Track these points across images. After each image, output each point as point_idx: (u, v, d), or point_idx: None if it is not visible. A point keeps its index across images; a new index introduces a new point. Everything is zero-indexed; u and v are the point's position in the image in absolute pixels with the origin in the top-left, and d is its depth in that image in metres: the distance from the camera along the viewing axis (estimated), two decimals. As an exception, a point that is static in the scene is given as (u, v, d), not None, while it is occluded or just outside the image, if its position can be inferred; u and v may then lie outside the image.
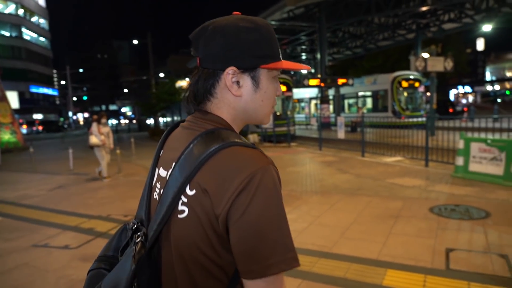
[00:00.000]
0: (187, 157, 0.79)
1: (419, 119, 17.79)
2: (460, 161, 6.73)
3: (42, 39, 54.12)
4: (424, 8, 19.07)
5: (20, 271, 3.63)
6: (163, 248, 0.82)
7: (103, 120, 8.43)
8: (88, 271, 0.93)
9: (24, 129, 43.20)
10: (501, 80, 60.69)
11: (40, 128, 45.14)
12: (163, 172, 0.88)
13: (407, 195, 5.67)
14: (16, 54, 47.17)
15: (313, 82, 18.81)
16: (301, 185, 6.81)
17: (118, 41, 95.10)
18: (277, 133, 14.53)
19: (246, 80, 0.85)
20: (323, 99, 20.78)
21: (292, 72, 38.12)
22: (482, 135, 6.99)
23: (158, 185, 0.88)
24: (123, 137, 27.48)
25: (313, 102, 26.99)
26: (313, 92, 25.62)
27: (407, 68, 17.00)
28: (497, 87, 59.28)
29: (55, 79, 72.15)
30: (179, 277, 0.80)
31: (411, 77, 19.97)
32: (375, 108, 21.33)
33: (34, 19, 51.88)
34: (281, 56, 0.90)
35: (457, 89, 54.93)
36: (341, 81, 19.53)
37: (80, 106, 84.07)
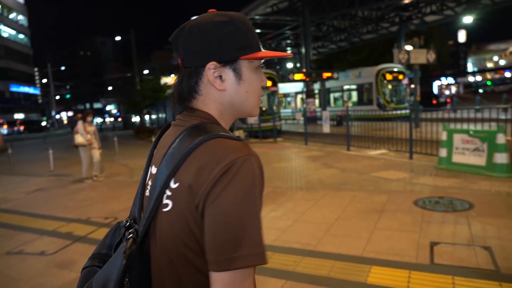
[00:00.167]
0: (172, 152, 0.80)
1: (403, 111, 17.95)
2: (443, 152, 6.76)
3: (21, 36, 52.73)
4: (406, 1, 19.21)
5: (-8, 281, 3.46)
6: (152, 243, 0.82)
7: (89, 119, 8.11)
8: (82, 269, 0.93)
9: (4, 129, 42.16)
10: (482, 71, 61.84)
11: (22, 128, 44.09)
12: (154, 170, 0.89)
13: (391, 188, 5.66)
14: (-6, 52, 45.88)
15: (298, 76, 18.76)
16: (286, 181, 6.74)
17: (101, 38, 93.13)
18: (263, 129, 14.45)
19: (228, 74, 0.85)
20: (309, 93, 20.77)
21: (278, 67, 38.09)
22: (465, 126, 7.05)
23: (150, 182, 0.89)
24: (108, 135, 27.01)
25: (299, 96, 26.99)
26: (299, 86, 25.60)
27: (392, 61, 17.09)
28: (478, 78, 60.40)
29: (37, 78, 70.48)
30: (165, 272, 0.79)
31: (395, 69, 20.11)
32: (360, 102, 21.43)
33: (12, 15, 50.46)
34: (261, 47, 0.90)
35: (440, 80, 55.76)
36: (326, 75, 19.54)
37: (63, 105, 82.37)
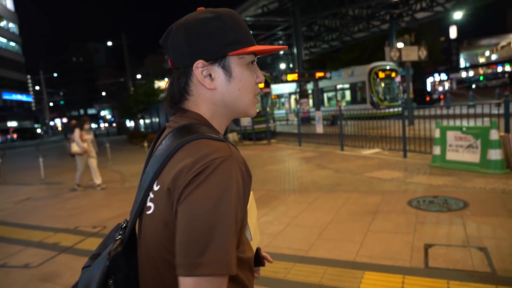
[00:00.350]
0: (157, 153, 0.79)
1: (396, 109, 17.94)
2: (437, 150, 6.69)
3: (12, 44, 52.31)
4: (396, -2, 19.20)
5: (-29, 299, 3.33)
6: (138, 245, 0.81)
7: (86, 126, 7.81)
8: (82, 268, 0.90)
9: (-3, 138, 41.80)
10: (474, 66, 62.25)
11: (15, 136, 43.64)
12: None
13: (385, 188, 5.57)
14: (-15, 61, 45.46)
15: (291, 77, 18.68)
16: (279, 184, 6.64)
17: (93, 44, 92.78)
18: (257, 131, 14.34)
19: (217, 71, 0.82)
20: (302, 94, 20.70)
21: (271, 69, 38.01)
22: (459, 122, 6.96)
23: None
24: (102, 141, 26.80)
25: (293, 97, 26.93)
26: (292, 87, 25.55)
27: (384, 59, 17.08)
28: (471, 73, 60.74)
29: (30, 85, 69.92)
30: (149, 275, 0.77)
31: (388, 67, 20.10)
32: (353, 100, 21.40)
33: (2, 23, 50.05)
34: (252, 41, 0.85)
35: (434, 77, 56.01)
36: (318, 74, 19.48)
37: (57, 111, 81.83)
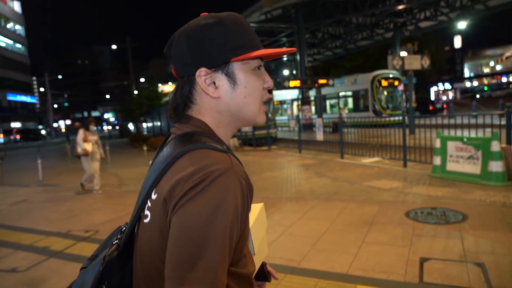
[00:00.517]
0: (158, 160, 0.77)
1: (396, 118, 17.83)
2: (437, 160, 6.59)
3: (18, 45, 52.77)
4: (400, 7, 19.17)
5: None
6: (134, 253, 0.79)
7: (91, 127, 7.70)
8: (80, 269, 0.88)
9: (0, 138, 41.92)
10: (479, 76, 62.05)
11: (18, 137, 43.79)
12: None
13: (383, 198, 5.46)
14: (-9, 62, 45.84)
15: (293, 83, 18.65)
16: (276, 191, 6.54)
17: (98, 46, 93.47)
18: (257, 136, 14.27)
19: (221, 79, 0.79)
20: (304, 100, 20.65)
21: (276, 75, 38.04)
22: (461, 132, 6.86)
23: None
24: (104, 143, 26.80)
25: (295, 103, 26.89)
26: (295, 93, 25.52)
27: (388, 67, 17.02)
28: (475, 83, 60.54)
29: (35, 86, 70.39)
30: (142, 284, 0.76)
31: (391, 76, 20.03)
32: (356, 108, 21.32)
33: (9, 25, 50.54)
34: (257, 45, 0.81)
35: (437, 86, 55.88)
36: (321, 81, 19.44)
37: (61, 113, 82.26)
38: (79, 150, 7.49)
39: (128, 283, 0.79)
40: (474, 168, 5.94)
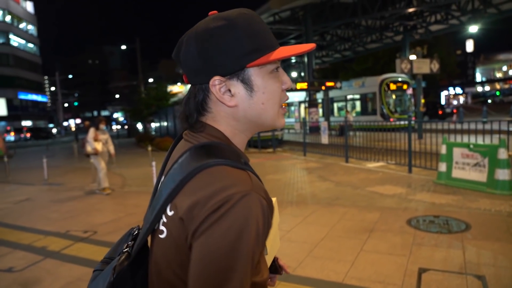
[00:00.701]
0: (172, 174, 0.73)
1: (402, 122, 17.62)
2: (443, 167, 6.45)
3: (30, 45, 53.54)
4: (410, 10, 18.96)
5: None
6: (149, 265, 0.77)
7: (102, 126, 7.55)
8: (93, 271, 0.87)
9: (11, 136, 42.51)
10: (491, 81, 61.19)
11: (28, 135, 44.35)
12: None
13: (385, 205, 5.36)
14: (3, 61, 46.60)
15: (300, 85, 18.55)
16: (277, 195, 6.47)
17: (109, 47, 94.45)
18: (262, 138, 14.21)
19: (237, 87, 0.74)
20: (311, 103, 20.54)
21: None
22: (470, 138, 6.71)
23: None
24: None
25: (303, 105, 26.78)
26: (302, 95, 25.41)
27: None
28: (487, 88, 59.72)
29: (46, 85, 71.33)
30: None
31: (399, 79, 19.82)
32: (364, 111, 21.14)
33: (22, 25, 51.32)
34: (273, 44, 0.76)
35: (448, 90, 55.21)
36: (328, 84, 19.31)
37: (71, 112, 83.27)
38: (89, 149, 7.39)
39: None
40: (480, 175, 5.80)
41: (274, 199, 1.10)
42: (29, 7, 53.87)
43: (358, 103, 22.06)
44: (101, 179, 7.54)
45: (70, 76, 66.39)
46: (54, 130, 52.60)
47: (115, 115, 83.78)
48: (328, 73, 41.40)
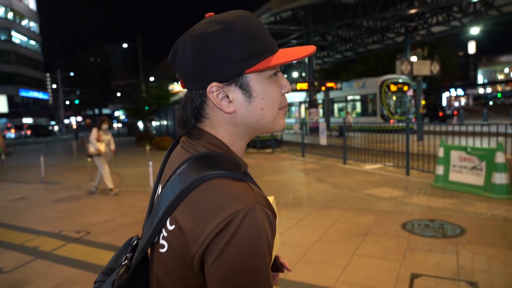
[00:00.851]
0: (171, 185, 0.71)
1: (399, 124, 17.56)
2: (440, 170, 6.40)
3: (32, 42, 53.56)
4: (412, 11, 18.88)
5: None
6: (151, 279, 0.76)
7: (104, 126, 7.36)
8: (94, 282, 0.86)
9: (12, 133, 42.54)
10: (492, 83, 61.04)
11: (29, 132, 44.36)
12: (160, 190, 0.80)
13: (381, 208, 5.32)
14: (5, 58, 46.64)
15: (300, 86, 18.50)
16: (274, 196, 6.42)
17: (111, 45, 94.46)
18: (261, 139, 14.17)
19: (235, 93, 0.72)
20: (311, 103, 20.48)
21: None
22: (467, 140, 6.65)
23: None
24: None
25: (303, 106, 26.73)
26: (303, 96, 25.36)
27: (398, 71, 16.77)
28: (489, 89, 59.58)
29: (48, 83, 71.40)
30: None
31: (400, 80, 19.75)
32: (364, 113, 21.08)
33: (24, 22, 51.33)
34: (272, 48, 0.74)
35: (450, 92, 55.10)
36: (328, 85, 19.25)
37: (72, 110, 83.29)
38: (92, 149, 7.26)
39: None
40: (477, 179, 5.75)
41: (271, 198, 1.07)
42: (31, 4, 53.89)
43: (358, 104, 21.99)
44: (106, 180, 7.40)
45: (72, 74, 66.42)
46: (55, 128, 52.59)
47: (116, 113, 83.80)
48: (329, 73, 41.34)
